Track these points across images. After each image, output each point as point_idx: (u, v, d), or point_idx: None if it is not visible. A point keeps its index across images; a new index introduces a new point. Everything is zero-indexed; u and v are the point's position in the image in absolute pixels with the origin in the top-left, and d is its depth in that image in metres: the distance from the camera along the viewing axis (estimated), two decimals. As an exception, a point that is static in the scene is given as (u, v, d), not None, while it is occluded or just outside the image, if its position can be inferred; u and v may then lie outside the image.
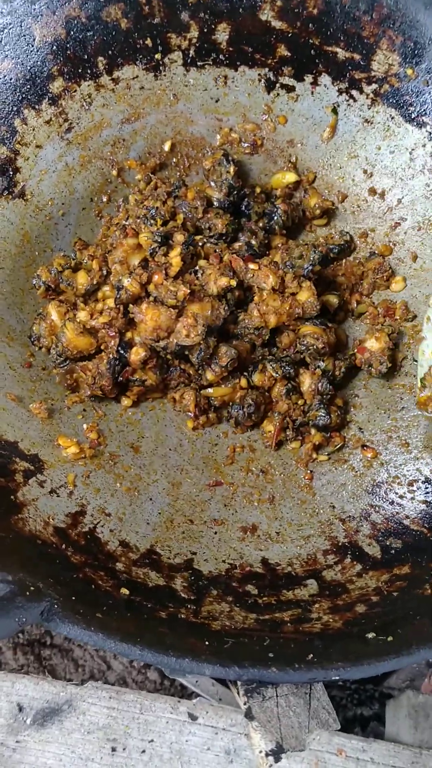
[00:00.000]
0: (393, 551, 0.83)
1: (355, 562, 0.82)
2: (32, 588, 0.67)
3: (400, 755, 1.00)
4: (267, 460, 0.96)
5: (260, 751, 0.68)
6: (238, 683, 0.69)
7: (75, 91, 1.07)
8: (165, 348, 0.92)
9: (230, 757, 0.97)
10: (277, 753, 0.67)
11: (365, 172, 1.10)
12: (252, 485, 0.94)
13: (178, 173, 1.12)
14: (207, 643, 0.69)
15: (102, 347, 0.95)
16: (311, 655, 0.67)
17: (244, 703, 0.69)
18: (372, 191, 1.09)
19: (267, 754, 0.67)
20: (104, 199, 1.09)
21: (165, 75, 1.10)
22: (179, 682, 1.19)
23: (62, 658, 1.40)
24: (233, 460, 0.96)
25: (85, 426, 0.94)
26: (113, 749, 0.96)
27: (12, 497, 0.80)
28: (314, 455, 0.96)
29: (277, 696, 0.69)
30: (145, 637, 0.67)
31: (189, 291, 0.91)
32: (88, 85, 1.07)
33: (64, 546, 0.78)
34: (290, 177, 1.10)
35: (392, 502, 0.89)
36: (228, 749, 0.98)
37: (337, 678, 0.66)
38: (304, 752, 0.98)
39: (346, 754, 0.99)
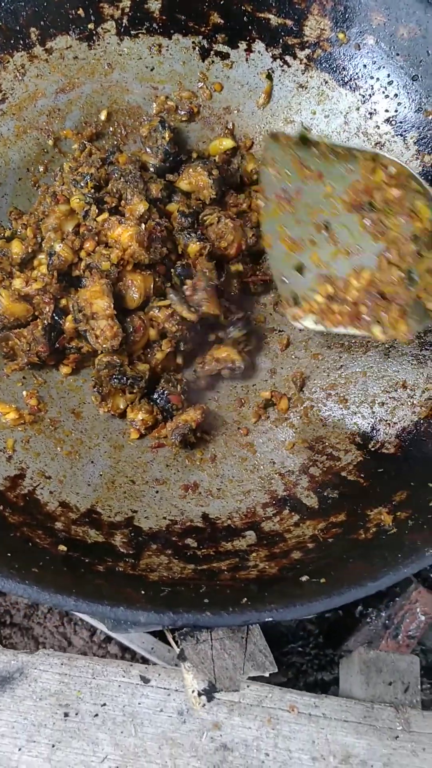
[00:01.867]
0: (330, 501, 0.84)
1: (293, 513, 0.84)
2: (-35, 546, 0.67)
3: (352, 710, 1.02)
4: (208, 421, 0.97)
5: (192, 691, 0.69)
6: (175, 633, 0.70)
7: (8, 62, 1.06)
8: None
9: (183, 718, 0.98)
10: (209, 692, 0.69)
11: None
12: (193, 446, 0.94)
13: (116, 142, 1.12)
14: (143, 592, 0.69)
15: (37, 314, 0.95)
16: (246, 599, 0.68)
17: (177, 645, 0.70)
18: (308, 155, 1.10)
19: (200, 693, 0.68)
20: (41, 169, 1.09)
21: (99, 45, 1.10)
22: (140, 655, 1.20)
23: (22, 636, 1.40)
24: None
25: (24, 393, 0.94)
26: (66, 714, 0.97)
27: None
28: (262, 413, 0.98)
29: (211, 639, 0.70)
30: (82, 589, 0.68)
31: (122, 253, 0.92)
32: (21, 56, 1.07)
33: (2, 507, 0.78)
34: (227, 143, 1.11)
35: (330, 456, 0.90)
36: (181, 710, 0.99)
37: (270, 619, 0.67)
38: (257, 709, 0.99)
39: (298, 710, 1.01)
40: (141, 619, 0.66)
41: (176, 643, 0.69)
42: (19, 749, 0.94)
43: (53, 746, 0.94)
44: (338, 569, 0.72)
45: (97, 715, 0.97)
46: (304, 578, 0.71)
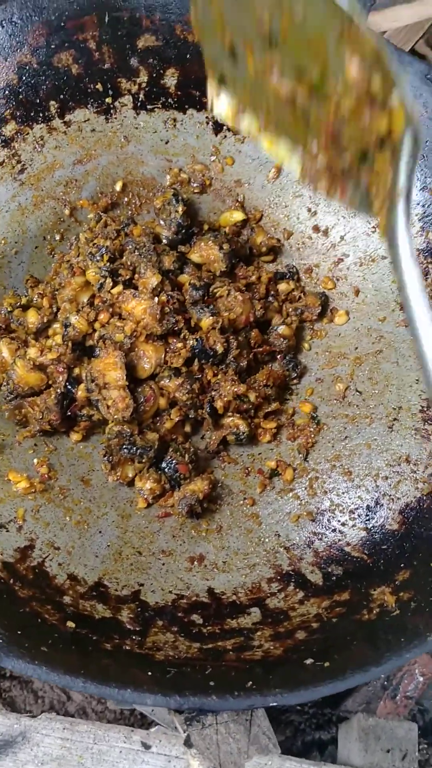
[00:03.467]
0: (334, 578, 0.85)
1: (297, 590, 0.85)
2: (-23, 623, 0.69)
3: (351, 778, 1.02)
4: (215, 490, 0.99)
5: (198, 777, 0.70)
6: (181, 715, 0.71)
7: (27, 133, 1.10)
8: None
9: (183, 786, 0.98)
10: (215, 779, 0.70)
11: (309, 210, 1.14)
12: (199, 517, 0.96)
13: (130, 212, 1.15)
14: (150, 673, 0.70)
15: (50, 383, 0.97)
16: (251, 683, 0.69)
17: (184, 731, 0.71)
18: (316, 229, 1.14)
19: (205, 781, 0.69)
20: (57, 238, 1.12)
21: (116, 118, 1.14)
22: (139, 711, 1.20)
23: (21, 689, 1.40)
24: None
25: (35, 460, 0.96)
26: (67, 781, 0.97)
27: (-40, 534, 0.81)
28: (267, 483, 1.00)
29: (216, 723, 0.71)
30: (89, 669, 0.69)
31: (135, 325, 0.95)
32: (41, 128, 1.11)
33: (12, 581, 0.79)
34: (237, 216, 1.14)
35: (334, 530, 0.92)
36: (181, 778, 0.99)
37: (275, 704, 0.68)
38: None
39: (298, 778, 1.01)
40: (148, 701, 0.67)
41: (182, 728, 0.70)
42: None
43: None
44: (342, 652, 0.73)
45: (97, 782, 0.97)
46: (309, 661, 0.73)
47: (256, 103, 0.75)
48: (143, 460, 0.95)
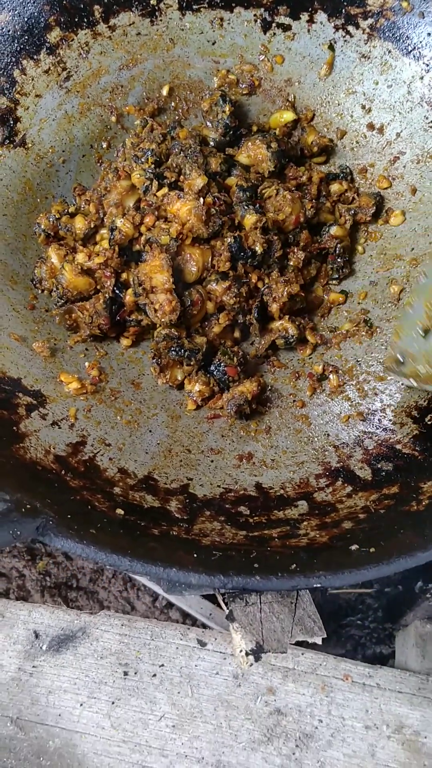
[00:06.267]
0: (383, 473, 0.84)
1: (346, 485, 0.84)
2: (28, 506, 0.71)
3: (407, 681, 1.03)
4: (265, 393, 0.98)
5: (240, 650, 0.71)
6: (225, 595, 0.72)
7: (72, 40, 1.09)
8: None
9: (238, 681, 1.01)
10: (256, 653, 0.70)
11: (363, 107, 1.10)
12: (248, 418, 0.96)
13: (177, 117, 1.13)
14: (195, 555, 0.72)
15: (99, 287, 0.97)
16: (294, 565, 0.70)
17: (226, 606, 0.72)
18: (370, 126, 1.09)
19: (247, 653, 0.70)
20: (104, 145, 1.12)
21: (161, 20, 1.11)
22: (201, 622, 1.23)
23: (88, 599, 1.46)
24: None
25: (87, 364, 0.97)
26: (125, 673, 1.01)
27: (14, 428, 0.83)
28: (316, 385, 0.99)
29: (260, 603, 0.71)
30: (136, 550, 0.70)
31: (180, 227, 0.94)
32: (85, 34, 1.09)
33: (63, 472, 0.81)
34: (288, 116, 1.10)
35: (385, 429, 0.90)
36: (236, 674, 1.02)
37: (319, 585, 0.68)
38: (311, 676, 1.01)
39: (353, 679, 1.02)
40: (192, 580, 0.68)
41: (225, 604, 0.71)
42: (81, 705, 0.98)
43: (113, 703, 0.99)
44: (389, 539, 0.73)
45: (155, 675, 1.01)
46: (354, 547, 0.72)
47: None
48: (192, 363, 0.95)
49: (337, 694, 1.00)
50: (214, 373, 0.96)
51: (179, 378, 0.97)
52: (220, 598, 0.72)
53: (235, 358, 0.96)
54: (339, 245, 1.04)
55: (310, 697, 1.00)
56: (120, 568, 0.70)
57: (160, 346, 0.95)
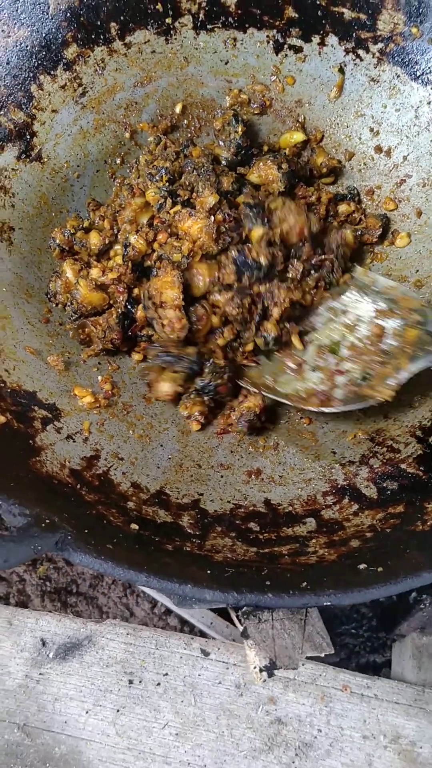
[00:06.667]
0: (389, 492, 0.87)
1: (352, 502, 0.87)
2: (47, 521, 0.72)
3: (403, 692, 1.05)
4: (272, 409, 1.00)
5: (254, 667, 0.73)
6: (238, 611, 0.74)
7: (89, 56, 1.10)
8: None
9: (240, 691, 1.03)
10: (270, 669, 0.73)
11: (371, 130, 1.12)
12: (257, 433, 0.98)
13: (189, 134, 1.15)
14: (209, 572, 0.74)
15: (112, 303, 0.99)
16: (305, 583, 0.72)
17: (241, 624, 0.74)
18: (378, 149, 1.12)
19: (261, 670, 0.73)
20: (118, 161, 1.13)
21: (176, 38, 1.13)
22: (198, 629, 1.25)
23: (87, 605, 1.47)
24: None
25: (99, 378, 0.99)
26: (130, 682, 1.03)
27: (30, 441, 0.85)
28: None
29: (272, 620, 0.74)
30: (151, 566, 0.72)
31: (192, 245, 0.96)
32: (101, 51, 1.11)
33: (78, 486, 0.83)
34: (298, 136, 1.13)
35: (390, 448, 0.93)
36: (238, 683, 1.04)
37: (329, 603, 0.70)
38: (311, 687, 1.03)
39: (351, 690, 1.05)
40: (207, 596, 0.70)
41: (239, 621, 0.74)
42: (86, 712, 1.00)
43: (118, 711, 1.01)
44: (395, 559, 0.75)
45: (159, 684, 1.03)
46: (362, 566, 0.75)
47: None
48: (178, 370, 0.96)
49: (336, 705, 1.03)
50: (205, 391, 0.98)
51: (168, 390, 0.98)
52: (232, 614, 0.74)
53: (225, 375, 0.98)
54: (341, 248, 1.06)
55: (309, 707, 1.02)
56: (137, 583, 0.72)
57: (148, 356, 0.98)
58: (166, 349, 0.96)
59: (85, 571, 1.44)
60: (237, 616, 0.71)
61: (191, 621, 1.24)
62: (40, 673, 1.03)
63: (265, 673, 0.72)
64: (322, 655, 0.74)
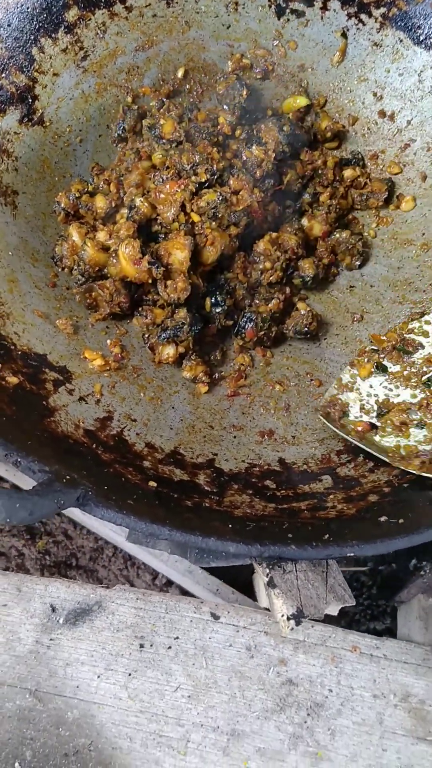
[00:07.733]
0: (403, 449, 0.87)
1: (367, 460, 0.87)
2: (68, 477, 0.72)
3: (412, 653, 1.06)
4: (282, 372, 1.00)
5: (282, 615, 0.74)
6: (263, 564, 0.74)
7: (90, 19, 1.09)
8: None
9: (251, 653, 1.03)
10: (297, 617, 0.73)
11: (375, 94, 1.12)
12: (268, 395, 0.98)
13: (191, 99, 1.14)
14: (230, 526, 0.74)
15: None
16: (327, 535, 0.72)
17: (267, 575, 0.74)
18: (382, 113, 1.12)
19: (288, 618, 0.73)
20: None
21: (177, 2, 1.12)
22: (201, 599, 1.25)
23: (87, 578, 1.47)
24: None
25: (108, 341, 0.99)
26: (141, 646, 1.03)
27: (44, 402, 0.85)
28: None
29: (296, 571, 0.74)
30: (174, 520, 0.72)
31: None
32: (102, 14, 1.09)
33: (94, 446, 0.82)
34: (301, 101, 1.12)
35: (402, 406, 0.93)
36: (249, 645, 1.04)
37: (352, 554, 0.71)
38: (321, 648, 1.04)
39: (361, 650, 1.05)
40: (230, 549, 0.70)
41: (265, 573, 0.74)
42: (98, 676, 1.00)
43: (129, 675, 1.00)
44: (415, 511, 0.76)
45: (170, 647, 1.03)
46: (383, 518, 0.75)
47: None
48: (183, 340, 0.96)
49: (346, 665, 1.03)
50: (215, 308, 0.99)
51: (171, 352, 0.98)
52: (257, 566, 0.74)
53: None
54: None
55: (320, 667, 1.03)
56: (159, 537, 0.71)
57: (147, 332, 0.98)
58: (160, 327, 0.96)
59: (84, 544, 1.43)
60: (262, 568, 0.71)
61: (194, 592, 1.25)
62: (51, 639, 1.02)
63: (292, 621, 0.72)
64: (346, 605, 0.74)
